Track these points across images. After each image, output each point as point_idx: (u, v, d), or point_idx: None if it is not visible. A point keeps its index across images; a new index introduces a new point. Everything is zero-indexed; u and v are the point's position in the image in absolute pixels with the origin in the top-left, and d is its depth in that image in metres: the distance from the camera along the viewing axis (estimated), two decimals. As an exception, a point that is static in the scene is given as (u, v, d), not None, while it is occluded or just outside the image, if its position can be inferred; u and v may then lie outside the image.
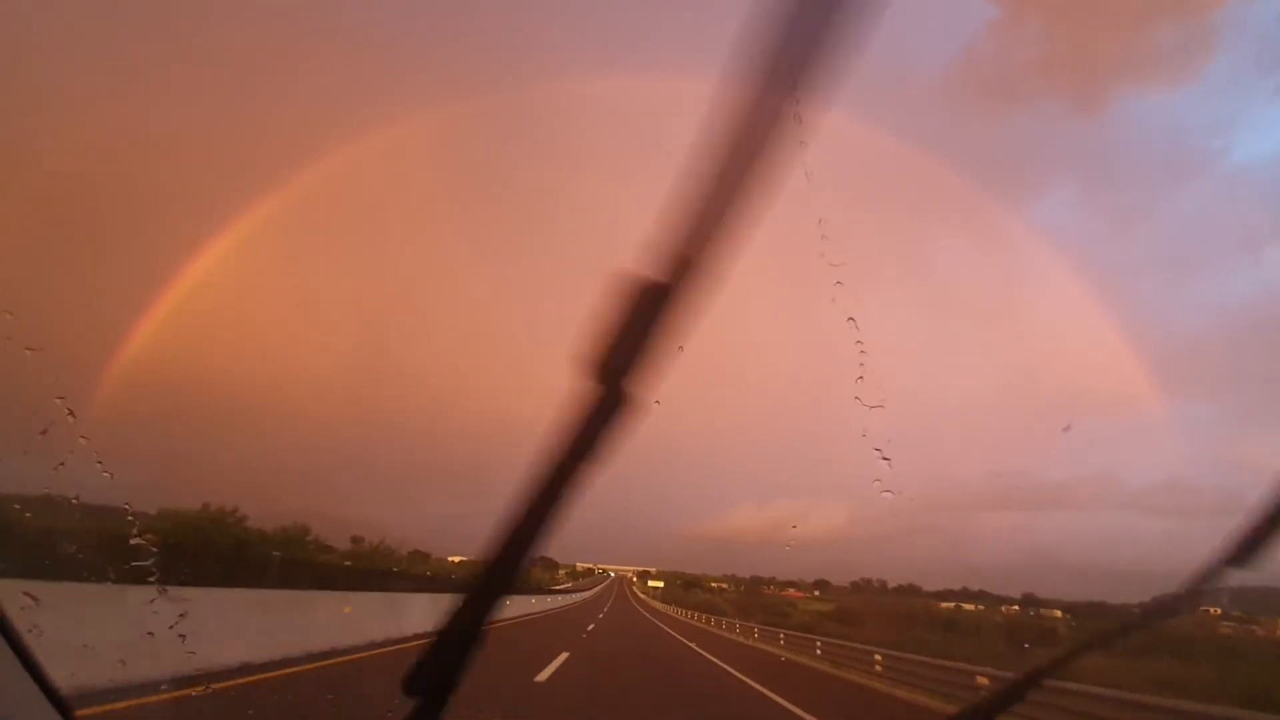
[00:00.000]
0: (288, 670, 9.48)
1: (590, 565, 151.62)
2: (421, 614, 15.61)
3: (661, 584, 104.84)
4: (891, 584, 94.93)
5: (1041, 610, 70.08)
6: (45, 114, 47.45)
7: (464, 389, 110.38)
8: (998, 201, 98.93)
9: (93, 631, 5.98)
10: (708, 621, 41.30)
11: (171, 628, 5.05)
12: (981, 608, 78.78)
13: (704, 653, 20.22)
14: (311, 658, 10.82)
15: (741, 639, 28.73)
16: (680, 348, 0.64)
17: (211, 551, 14.78)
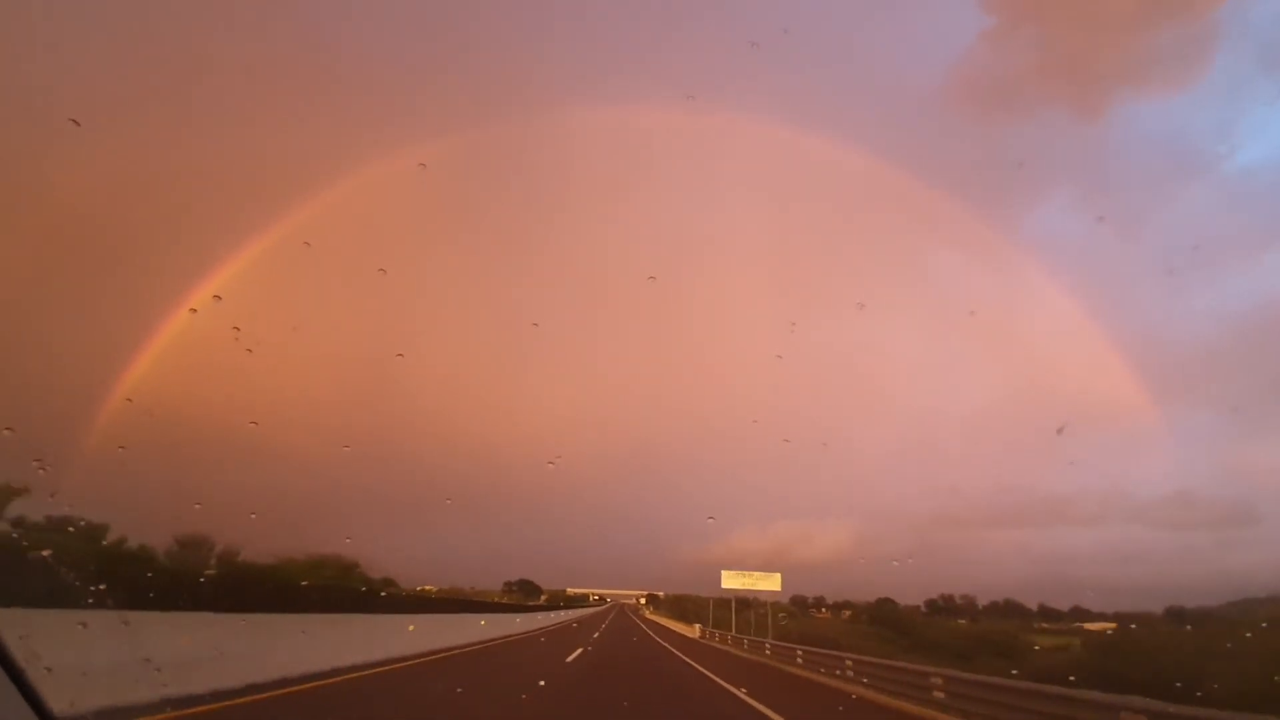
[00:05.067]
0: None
1: (585, 591, 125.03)
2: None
3: (777, 581, 44.14)
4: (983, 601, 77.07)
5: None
6: (44, 150, 40.34)
7: (461, 414, 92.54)
8: (996, 213, 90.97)
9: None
10: None
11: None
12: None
13: None
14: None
15: None
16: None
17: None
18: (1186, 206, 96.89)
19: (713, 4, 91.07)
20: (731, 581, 45.14)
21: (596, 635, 36.53)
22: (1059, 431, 42.14)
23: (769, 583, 44.93)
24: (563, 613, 65.87)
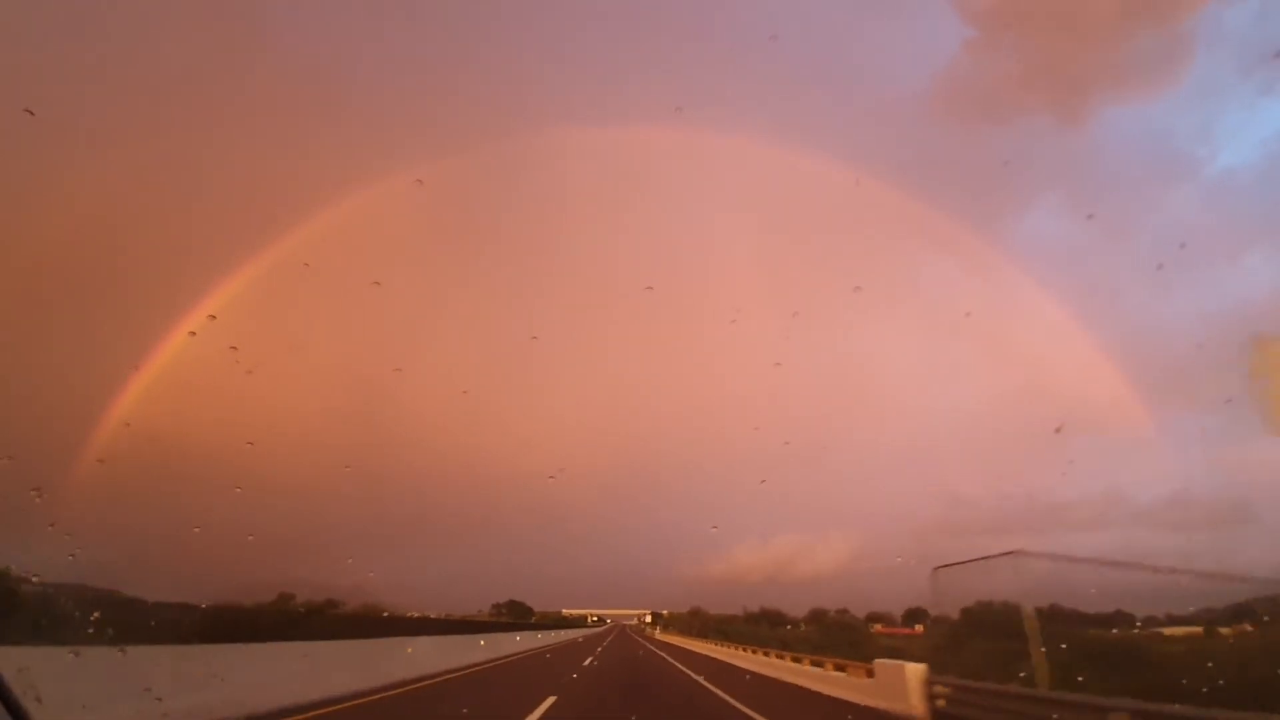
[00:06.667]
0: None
1: (583, 611, 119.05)
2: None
3: None
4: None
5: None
6: (30, 177, 39.05)
7: (457, 444, 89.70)
8: (986, 219, 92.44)
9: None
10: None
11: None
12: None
13: None
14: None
15: None
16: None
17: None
18: (1172, 209, 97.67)
19: (700, 17, 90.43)
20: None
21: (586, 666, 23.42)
22: (1057, 431, 41.97)
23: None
24: (516, 638, 46.35)
